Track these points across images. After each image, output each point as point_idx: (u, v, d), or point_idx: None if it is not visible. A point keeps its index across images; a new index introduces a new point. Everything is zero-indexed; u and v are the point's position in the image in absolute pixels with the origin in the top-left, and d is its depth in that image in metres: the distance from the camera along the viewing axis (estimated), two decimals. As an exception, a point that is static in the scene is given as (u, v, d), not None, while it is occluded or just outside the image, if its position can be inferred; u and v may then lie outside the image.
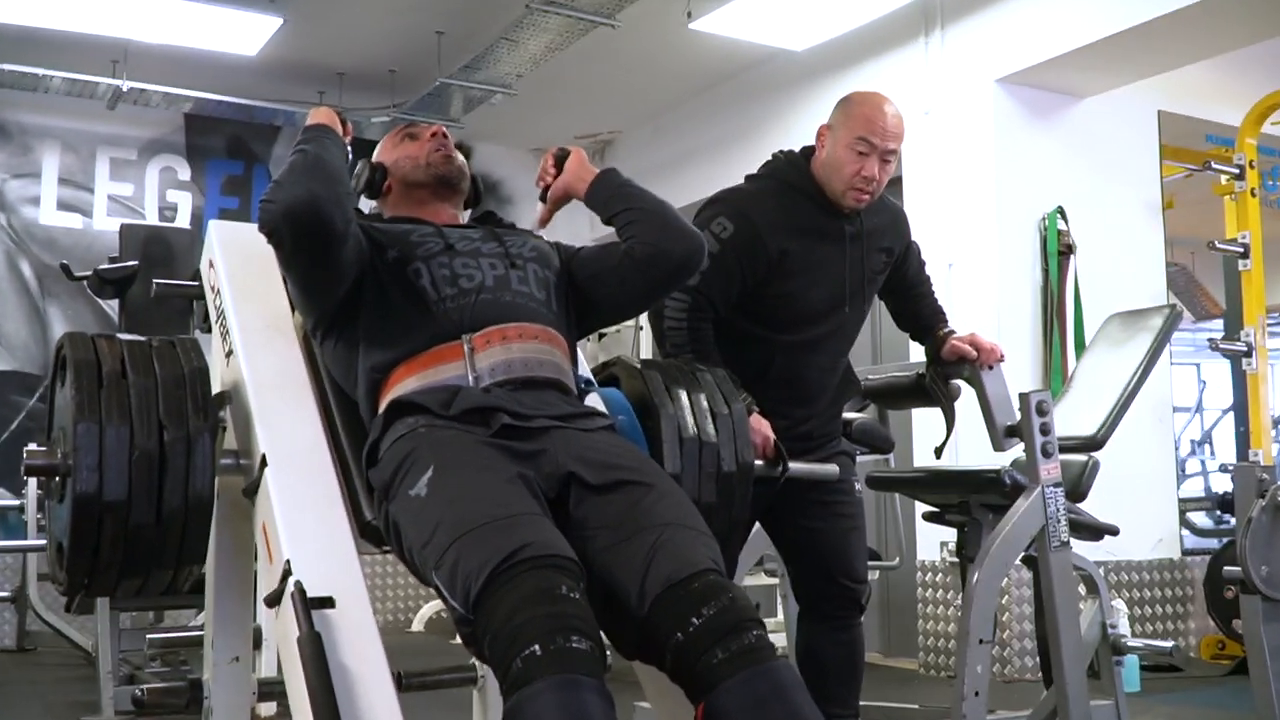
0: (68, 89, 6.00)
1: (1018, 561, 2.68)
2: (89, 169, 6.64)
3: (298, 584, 1.56)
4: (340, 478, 1.84)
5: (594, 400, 2.02)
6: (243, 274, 2.05)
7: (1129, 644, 2.88)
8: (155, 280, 2.37)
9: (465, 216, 2.21)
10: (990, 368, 2.67)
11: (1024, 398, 2.56)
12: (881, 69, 5.46)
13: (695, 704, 1.46)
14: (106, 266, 4.22)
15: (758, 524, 2.66)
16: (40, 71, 5.79)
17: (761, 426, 2.29)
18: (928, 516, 3.04)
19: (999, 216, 4.97)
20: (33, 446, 1.81)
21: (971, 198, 5.04)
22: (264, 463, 1.77)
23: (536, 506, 1.60)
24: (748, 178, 2.71)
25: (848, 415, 2.82)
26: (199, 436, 1.76)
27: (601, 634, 1.47)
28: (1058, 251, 4.97)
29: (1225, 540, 5.25)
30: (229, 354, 1.99)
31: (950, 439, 2.77)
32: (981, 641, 2.49)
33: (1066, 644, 2.53)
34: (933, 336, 2.78)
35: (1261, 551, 3.05)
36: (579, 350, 2.11)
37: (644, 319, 3.52)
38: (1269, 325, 3.67)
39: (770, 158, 2.71)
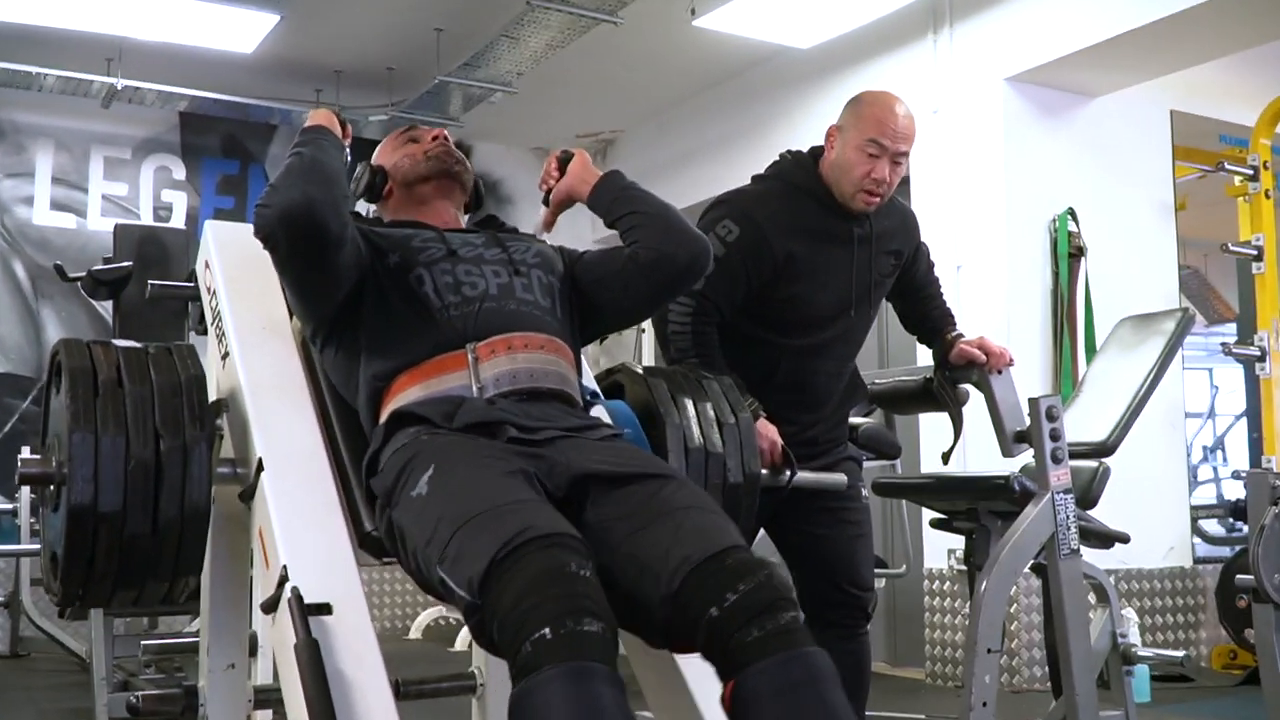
0: (61, 87, 5.95)
1: (1027, 569, 2.66)
2: (83, 168, 6.59)
3: (294, 590, 1.54)
4: (339, 486, 1.81)
5: (599, 414, 1.99)
6: (239, 275, 2.04)
7: (1139, 653, 2.85)
8: (150, 282, 2.35)
9: (465, 220, 2.18)
10: (999, 372, 2.64)
11: (1033, 403, 2.54)
12: (889, 67, 5.40)
13: (725, 681, 1.42)
14: (101, 268, 4.17)
15: (762, 530, 2.63)
16: (34, 69, 5.74)
17: (768, 431, 2.27)
18: (935, 523, 3.02)
19: (1008, 218, 4.91)
20: (27, 454, 1.79)
21: (980, 199, 4.98)
22: (261, 467, 1.76)
23: (538, 495, 1.57)
24: (754, 179, 2.68)
25: (854, 420, 2.81)
26: (195, 446, 1.73)
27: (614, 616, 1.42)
28: (1068, 253, 4.91)
29: (1238, 548, 5.19)
30: (225, 356, 1.97)
31: (958, 444, 2.74)
32: (990, 651, 2.47)
33: (1076, 653, 2.50)
34: (941, 340, 2.74)
35: (1274, 560, 3.03)
36: (584, 361, 2.08)
37: (647, 322, 3.49)
38: (1283, 329, 3.64)
39: (777, 158, 2.68)
